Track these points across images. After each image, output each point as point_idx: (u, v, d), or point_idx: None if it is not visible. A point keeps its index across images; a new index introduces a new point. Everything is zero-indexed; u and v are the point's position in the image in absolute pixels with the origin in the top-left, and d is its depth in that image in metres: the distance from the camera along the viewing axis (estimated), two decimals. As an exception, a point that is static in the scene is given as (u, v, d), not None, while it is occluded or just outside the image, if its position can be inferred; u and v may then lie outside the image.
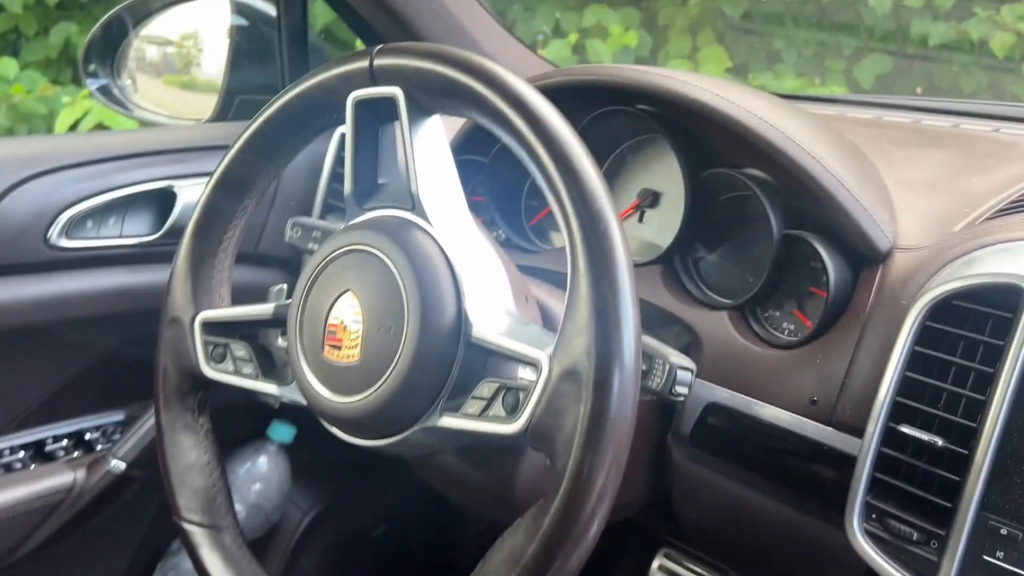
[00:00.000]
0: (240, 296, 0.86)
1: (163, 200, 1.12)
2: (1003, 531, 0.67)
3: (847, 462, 0.75)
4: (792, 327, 0.87)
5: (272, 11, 1.34)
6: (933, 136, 1.12)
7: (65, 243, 1.05)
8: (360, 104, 0.72)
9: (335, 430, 0.73)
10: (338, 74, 0.73)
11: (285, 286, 0.87)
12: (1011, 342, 0.67)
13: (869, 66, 3.00)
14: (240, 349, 0.80)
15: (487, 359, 0.67)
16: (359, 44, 2.59)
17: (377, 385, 0.67)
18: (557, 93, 0.79)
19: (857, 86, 2.98)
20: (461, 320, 0.67)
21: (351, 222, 0.74)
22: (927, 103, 1.33)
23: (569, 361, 0.59)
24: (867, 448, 0.73)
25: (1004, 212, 0.81)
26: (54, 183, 1.04)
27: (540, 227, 1.12)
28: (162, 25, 1.46)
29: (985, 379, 0.69)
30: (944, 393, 0.71)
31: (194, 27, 1.47)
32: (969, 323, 0.71)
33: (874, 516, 0.73)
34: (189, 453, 0.82)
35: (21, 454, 1.08)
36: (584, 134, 0.67)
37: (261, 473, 1.31)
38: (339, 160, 1.22)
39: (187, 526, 0.79)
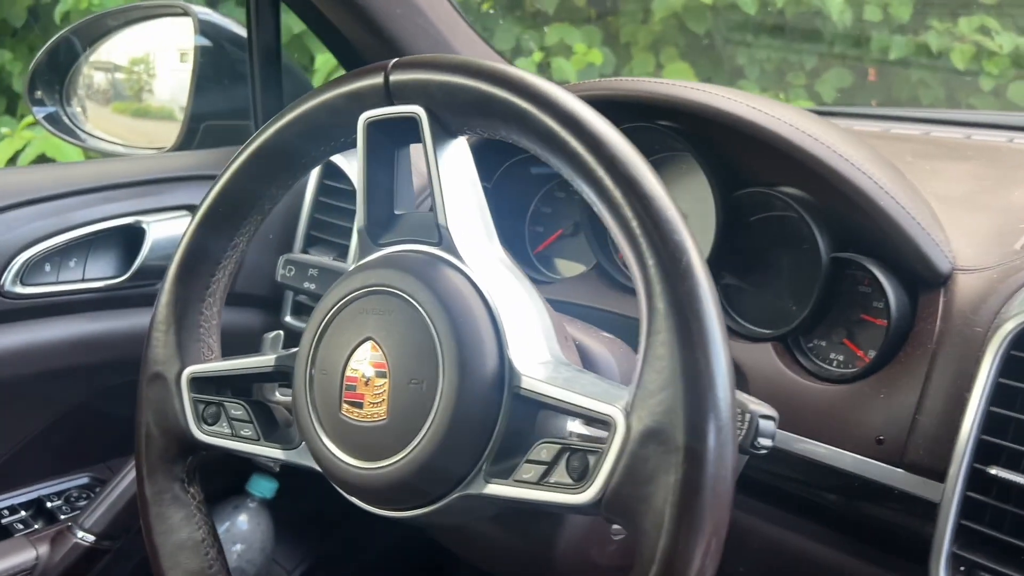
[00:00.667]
0: None
1: (130, 237, 1.01)
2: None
3: (924, 507, 0.68)
4: (841, 358, 0.80)
5: (239, 30, 1.25)
6: (952, 148, 1.07)
7: (20, 290, 0.94)
8: (373, 125, 0.64)
9: (356, 500, 0.64)
10: (347, 92, 0.64)
11: (281, 333, 0.77)
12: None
13: (830, 80, 3.01)
14: (236, 408, 0.70)
15: (537, 413, 0.59)
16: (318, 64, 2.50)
17: (410, 448, 0.58)
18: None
19: (819, 100, 2.99)
20: (505, 369, 0.58)
21: (366, 260, 0.65)
22: (931, 114, 1.29)
23: (652, 419, 0.50)
24: (951, 492, 0.66)
25: (1063, 227, 0.76)
26: (6, 223, 0.93)
27: (546, 255, 1.04)
28: (115, 48, 1.36)
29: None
30: (1034, 429, 0.64)
31: (148, 49, 1.37)
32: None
33: (963, 568, 0.66)
34: (180, 530, 0.71)
35: (-27, 530, 0.96)
36: None
37: (242, 533, 1.20)
38: (322, 188, 1.12)
39: (182, 617, 0.69)
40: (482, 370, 0.57)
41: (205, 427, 0.70)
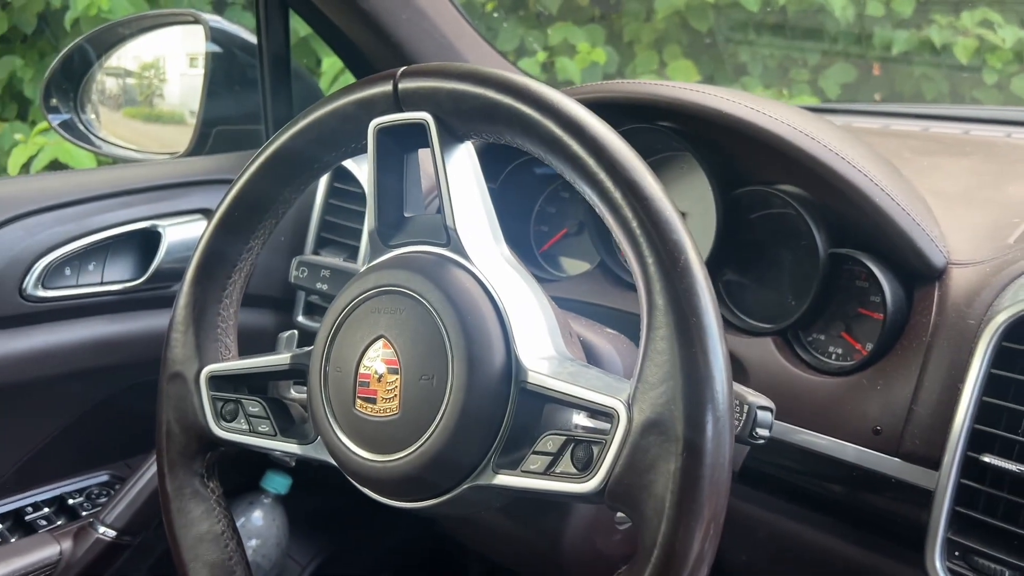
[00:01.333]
0: None
1: (146, 241, 1.04)
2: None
3: (920, 495, 0.70)
4: (840, 351, 0.82)
5: (248, 36, 1.27)
6: (950, 144, 1.09)
7: (41, 293, 0.96)
8: (383, 131, 0.66)
9: (370, 492, 0.66)
10: (357, 100, 0.67)
11: (296, 332, 0.80)
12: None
13: (833, 76, 3.02)
14: (253, 405, 0.72)
15: (543, 407, 0.61)
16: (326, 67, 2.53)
17: (420, 441, 0.61)
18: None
19: (823, 96, 3.00)
20: (512, 365, 0.61)
21: (377, 260, 0.68)
22: (930, 110, 1.31)
23: (653, 411, 0.53)
24: (946, 480, 0.68)
25: (1057, 221, 0.78)
26: (27, 228, 0.95)
27: (551, 254, 1.06)
28: (127, 55, 1.38)
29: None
30: (1026, 417, 0.66)
31: (157, 56, 1.40)
32: (1047, 341, 0.66)
33: (957, 553, 0.68)
34: (200, 523, 0.74)
35: (0, 526, 0.99)
36: None
37: (257, 528, 1.22)
38: (332, 191, 1.15)
39: (204, 607, 0.71)
40: (490, 366, 0.60)
41: (224, 424, 0.73)
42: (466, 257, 0.64)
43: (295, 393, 0.78)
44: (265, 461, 1.22)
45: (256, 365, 0.73)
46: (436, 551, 1.40)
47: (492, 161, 1.01)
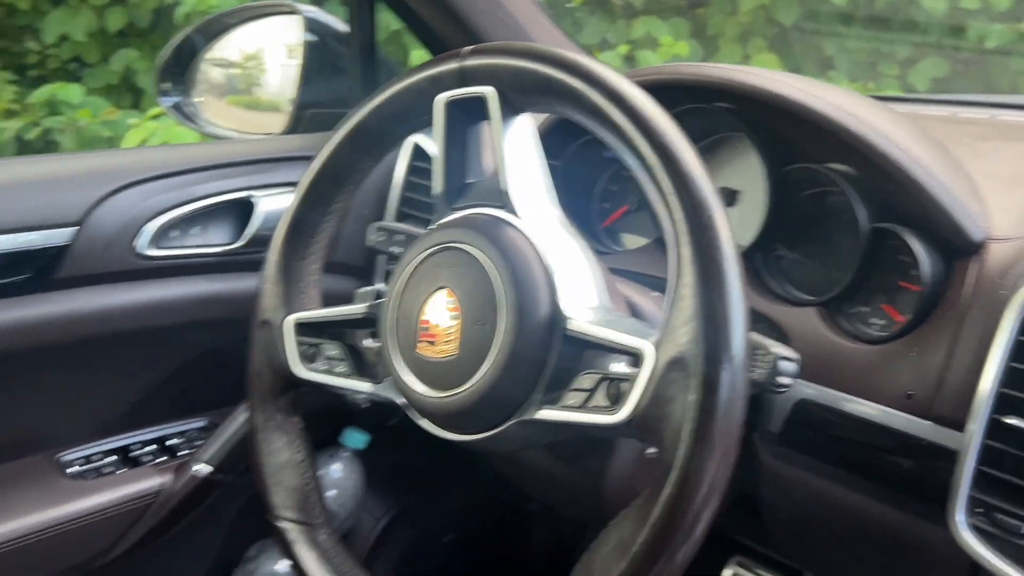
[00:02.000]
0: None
1: (242, 210, 1.14)
2: (1119, 523, 0.65)
3: (948, 456, 0.74)
4: (882, 322, 0.85)
5: (340, 26, 1.37)
6: (1013, 130, 1.10)
7: (152, 252, 1.08)
8: (451, 104, 0.73)
9: (429, 425, 0.74)
10: (428, 76, 0.75)
11: (373, 287, 0.89)
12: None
13: (924, 70, 2.96)
14: (332, 348, 0.81)
15: (583, 352, 0.68)
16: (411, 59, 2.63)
17: (474, 380, 0.68)
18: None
19: (912, 91, 2.94)
20: (555, 314, 0.67)
21: (442, 220, 0.75)
22: (1000, 99, 1.31)
23: (676, 350, 0.59)
24: (971, 441, 0.71)
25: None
26: (141, 194, 1.07)
27: (613, 229, 1.12)
28: (230, 45, 1.50)
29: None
30: (1050, 383, 0.69)
31: (259, 45, 1.51)
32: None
33: (980, 510, 0.71)
34: (282, 452, 0.83)
35: (110, 459, 1.11)
36: None
37: (335, 480, 1.32)
38: (411, 169, 1.23)
39: (282, 524, 0.81)
40: (535, 314, 0.67)
41: (306, 364, 0.82)
42: (517, 217, 0.71)
43: (369, 342, 0.87)
44: (345, 418, 1.32)
45: (336, 314, 0.82)
46: (501, 518, 1.47)
47: (557, 140, 1.07)
